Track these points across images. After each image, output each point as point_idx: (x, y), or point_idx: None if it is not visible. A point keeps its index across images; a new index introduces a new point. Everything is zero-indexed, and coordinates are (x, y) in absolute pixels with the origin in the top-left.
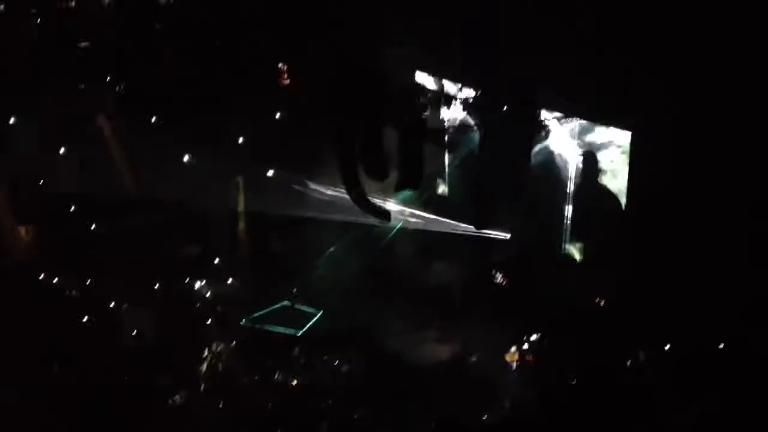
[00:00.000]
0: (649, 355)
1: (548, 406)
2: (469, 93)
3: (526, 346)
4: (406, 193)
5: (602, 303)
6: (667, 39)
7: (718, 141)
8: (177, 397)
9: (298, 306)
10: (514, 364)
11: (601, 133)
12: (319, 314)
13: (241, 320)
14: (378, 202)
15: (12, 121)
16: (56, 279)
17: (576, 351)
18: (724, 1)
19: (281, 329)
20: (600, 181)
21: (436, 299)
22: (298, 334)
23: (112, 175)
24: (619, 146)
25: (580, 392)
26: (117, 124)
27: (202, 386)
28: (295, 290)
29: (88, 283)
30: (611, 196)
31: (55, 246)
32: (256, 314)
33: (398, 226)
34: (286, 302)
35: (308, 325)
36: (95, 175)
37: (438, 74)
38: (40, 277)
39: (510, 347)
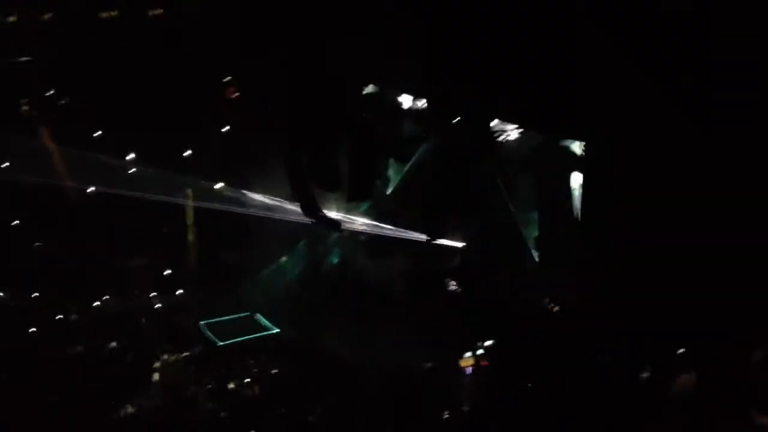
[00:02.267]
0: (604, 360)
1: (503, 411)
2: (421, 103)
3: (480, 352)
4: (357, 204)
5: (555, 308)
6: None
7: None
8: (128, 408)
9: (258, 318)
10: (469, 370)
11: (555, 143)
12: (275, 331)
13: (194, 329)
14: (329, 212)
15: None
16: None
17: (530, 356)
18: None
19: (236, 339)
20: (551, 189)
21: (389, 308)
22: (251, 344)
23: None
24: (573, 156)
25: (534, 397)
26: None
27: (154, 396)
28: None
29: (39, 293)
30: (563, 204)
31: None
32: (212, 321)
33: (348, 236)
34: (247, 313)
35: (261, 336)
36: (43, 188)
37: (390, 85)
38: None
39: (464, 353)
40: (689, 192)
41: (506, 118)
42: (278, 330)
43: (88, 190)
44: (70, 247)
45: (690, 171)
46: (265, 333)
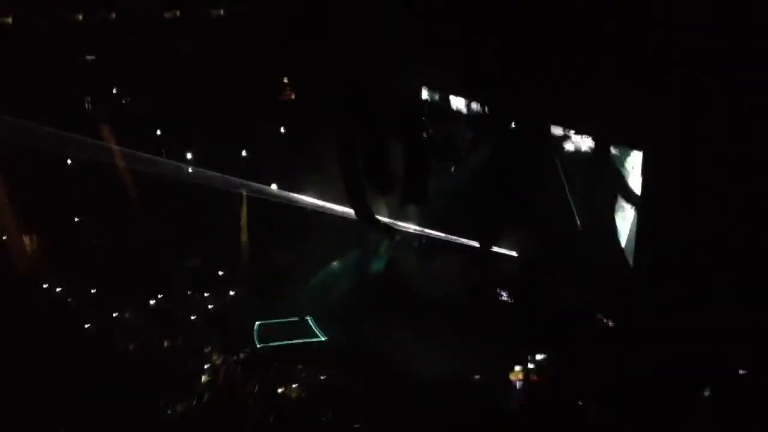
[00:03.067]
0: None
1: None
2: (476, 108)
3: (531, 366)
4: (412, 207)
5: (610, 321)
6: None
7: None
8: (178, 407)
9: (309, 323)
10: (518, 383)
11: (610, 151)
12: (321, 339)
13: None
14: (383, 218)
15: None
16: (60, 289)
17: (583, 368)
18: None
19: (287, 342)
20: (608, 198)
21: (441, 315)
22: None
23: (116, 187)
24: (629, 163)
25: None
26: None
27: (204, 397)
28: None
29: (91, 293)
30: (620, 212)
31: (58, 255)
32: (266, 323)
33: (402, 242)
34: (300, 317)
35: (310, 342)
36: (98, 186)
37: (446, 88)
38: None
39: (514, 366)
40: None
41: (563, 123)
42: (325, 338)
43: (144, 191)
44: (127, 246)
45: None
46: (309, 340)
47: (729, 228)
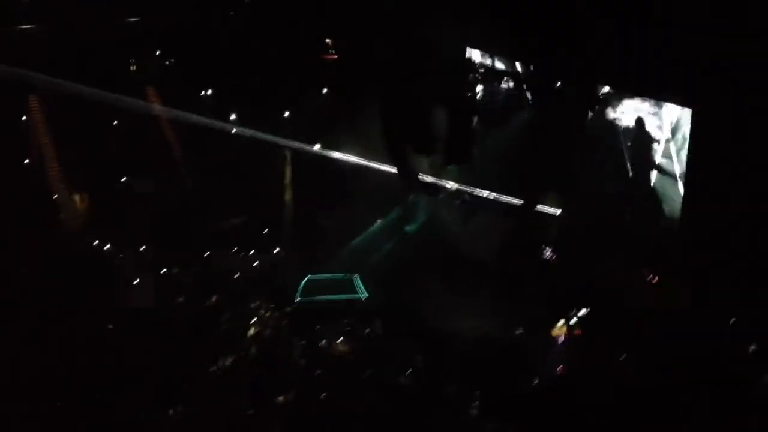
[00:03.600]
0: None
1: (593, 382)
2: (519, 68)
3: (573, 321)
4: (454, 167)
5: (654, 279)
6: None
7: None
8: (222, 362)
9: (355, 281)
10: (561, 338)
11: (658, 110)
12: (362, 296)
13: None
14: (425, 176)
15: None
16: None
17: (625, 328)
18: None
19: (330, 297)
20: (655, 160)
21: (482, 275)
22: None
23: (162, 147)
24: (678, 124)
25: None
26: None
27: (251, 350)
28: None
29: (142, 248)
30: (666, 175)
31: (104, 214)
32: (313, 278)
33: (445, 201)
34: (346, 274)
35: (354, 298)
36: (142, 145)
37: (490, 48)
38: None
39: (557, 322)
40: None
41: (609, 83)
42: (366, 295)
43: (189, 151)
44: (173, 204)
45: None
46: (349, 296)
47: None
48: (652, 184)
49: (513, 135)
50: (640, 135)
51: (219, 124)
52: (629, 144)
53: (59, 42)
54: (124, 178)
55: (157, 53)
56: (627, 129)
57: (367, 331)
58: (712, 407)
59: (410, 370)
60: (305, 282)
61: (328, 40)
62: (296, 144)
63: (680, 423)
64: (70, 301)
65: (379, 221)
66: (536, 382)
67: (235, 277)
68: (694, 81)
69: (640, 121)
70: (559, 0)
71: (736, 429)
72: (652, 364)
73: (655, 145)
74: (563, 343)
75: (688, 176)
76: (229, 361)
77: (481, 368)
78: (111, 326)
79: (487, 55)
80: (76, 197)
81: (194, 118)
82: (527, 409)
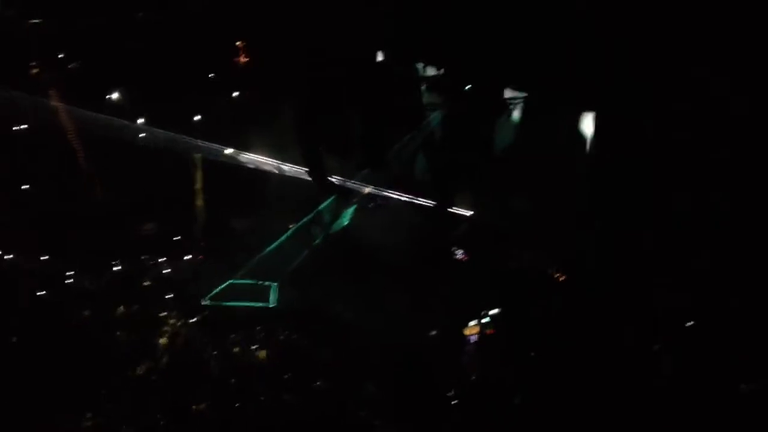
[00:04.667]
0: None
1: (507, 380)
2: (433, 72)
3: (486, 320)
4: (369, 170)
5: (561, 277)
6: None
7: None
8: (139, 370)
9: (267, 287)
10: (474, 338)
11: (564, 115)
12: (276, 293)
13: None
14: (339, 180)
15: None
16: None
17: (535, 324)
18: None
19: (243, 303)
20: (559, 159)
21: (396, 275)
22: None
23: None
24: (580, 127)
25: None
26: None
27: (163, 360)
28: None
29: (49, 257)
30: (569, 174)
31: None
32: (217, 289)
33: (357, 203)
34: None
35: (267, 301)
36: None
37: (403, 53)
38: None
39: (470, 321)
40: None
41: (518, 86)
42: (275, 303)
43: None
44: (82, 210)
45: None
46: (262, 303)
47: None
48: (557, 184)
49: (427, 138)
50: (546, 137)
51: (129, 126)
52: (536, 146)
53: None
54: (27, 186)
55: (62, 55)
56: (534, 131)
57: (282, 337)
58: (618, 402)
59: (325, 374)
60: (219, 289)
61: (239, 43)
62: (208, 147)
63: (590, 419)
64: None
65: (292, 226)
66: (451, 381)
67: (146, 284)
68: (600, 86)
69: (546, 124)
70: (469, 8)
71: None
72: (564, 362)
73: (561, 147)
74: (476, 342)
75: (593, 175)
76: (142, 370)
77: (396, 369)
78: (15, 338)
79: (402, 59)
80: None
81: (103, 120)
82: (443, 408)
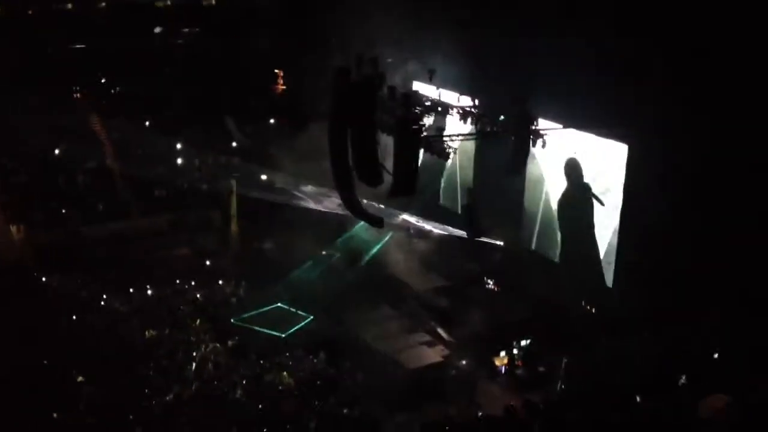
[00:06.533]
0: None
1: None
2: (466, 102)
3: (516, 351)
4: (400, 199)
5: (592, 308)
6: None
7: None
8: (168, 397)
9: (289, 308)
10: (503, 369)
11: (597, 146)
12: (309, 318)
13: (232, 321)
14: (370, 207)
15: None
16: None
17: (566, 356)
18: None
19: (271, 330)
20: (592, 192)
21: (428, 303)
22: (286, 335)
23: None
24: (614, 158)
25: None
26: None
27: (193, 386)
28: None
29: (83, 279)
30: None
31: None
32: (247, 315)
33: (390, 233)
34: (279, 304)
35: (297, 328)
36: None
37: (436, 84)
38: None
39: (499, 352)
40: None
41: (550, 117)
42: (289, 332)
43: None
44: (114, 235)
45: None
46: (287, 331)
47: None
48: (588, 217)
49: (459, 167)
50: (576, 169)
51: (166, 154)
52: (569, 178)
53: None
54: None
55: (104, 79)
56: (565, 163)
57: (310, 364)
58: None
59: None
60: (249, 314)
61: (277, 71)
62: (243, 173)
63: None
64: (8, 335)
65: (323, 252)
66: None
67: (177, 309)
68: (633, 118)
69: (579, 156)
70: (503, 38)
71: None
72: (592, 393)
73: (593, 179)
74: (505, 372)
75: (624, 208)
76: (171, 396)
77: (425, 397)
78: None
79: (433, 88)
80: (13, 228)
81: (141, 145)
82: None
